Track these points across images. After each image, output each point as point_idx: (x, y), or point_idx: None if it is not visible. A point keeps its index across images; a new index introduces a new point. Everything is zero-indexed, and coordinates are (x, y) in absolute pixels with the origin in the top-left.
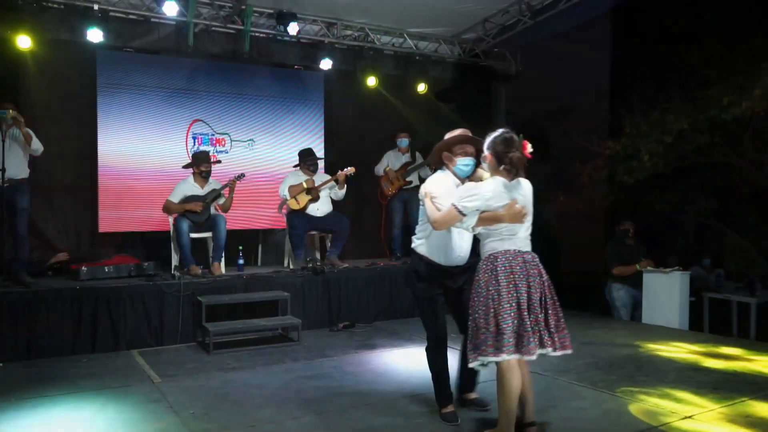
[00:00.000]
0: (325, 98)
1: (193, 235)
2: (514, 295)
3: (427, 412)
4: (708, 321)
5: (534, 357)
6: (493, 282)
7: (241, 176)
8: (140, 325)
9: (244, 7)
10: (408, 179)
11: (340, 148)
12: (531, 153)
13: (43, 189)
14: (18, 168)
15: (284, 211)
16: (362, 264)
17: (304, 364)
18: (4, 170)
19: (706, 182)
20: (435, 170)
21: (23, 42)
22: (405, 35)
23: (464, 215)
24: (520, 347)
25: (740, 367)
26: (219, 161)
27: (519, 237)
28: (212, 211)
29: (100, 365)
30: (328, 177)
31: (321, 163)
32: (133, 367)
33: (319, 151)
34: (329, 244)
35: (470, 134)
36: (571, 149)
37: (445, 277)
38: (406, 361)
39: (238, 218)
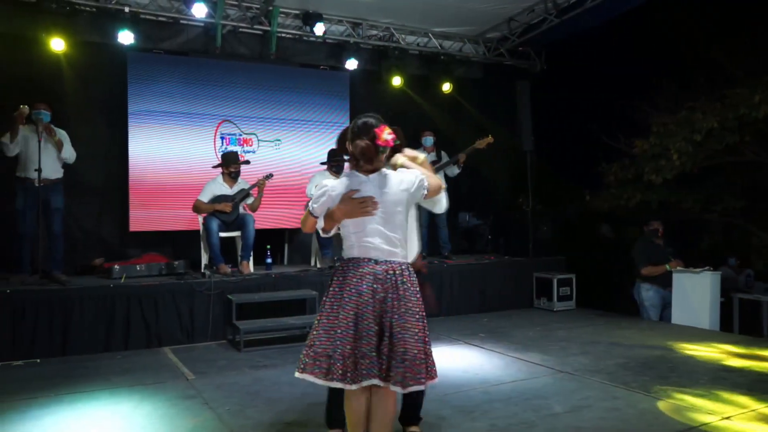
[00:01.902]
0: (350, 98)
1: (222, 235)
2: (351, 313)
3: (452, 414)
4: (738, 322)
5: (354, 387)
6: (330, 293)
7: (270, 176)
8: (172, 323)
9: (270, 8)
10: None
11: None
12: (386, 140)
13: (74, 189)
14: (52, 168)
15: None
16: None
17: None
18: (40, 170)
19: (735, 181)
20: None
21: (57, 45)
22: (430, 35)
23: (316, 216)
24: (345, 374)
25: None
26: (248, 162)
27: (373, 243)
28: (241, 210)
29: (133, 362)
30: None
31: (347, 164)
32: (166, 364)
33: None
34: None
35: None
36: (596, 148)
37: None
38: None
39: (265, 218)
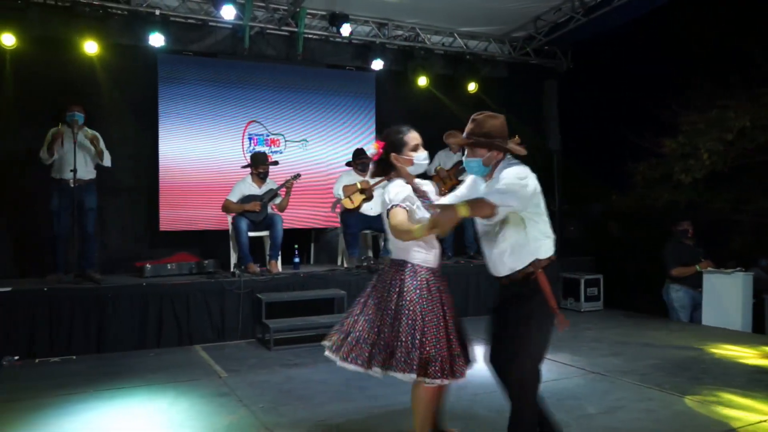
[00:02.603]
0: (376, 98)
1: (251, 234)
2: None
3: (486, 413)
4: None
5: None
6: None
7: (298, 176)
8: (202, 321)
9: (297, 9)
10: (460, 178)
11: None
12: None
13: (106, 189)
14: (86, 169)
15: (337, 210)
16: None
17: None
18: (75, 171)
19: (766, 181)
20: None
21: (90, 47)
22: (455, 35)
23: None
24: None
25: None
26: (276, 162)
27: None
28: (269, 210)
29: (166, 359)
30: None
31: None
32: (198, 362)
33: (370, 151)
34: (382, 243)
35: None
36: (623, 147)
37: None
38: None
39: (291, 217)
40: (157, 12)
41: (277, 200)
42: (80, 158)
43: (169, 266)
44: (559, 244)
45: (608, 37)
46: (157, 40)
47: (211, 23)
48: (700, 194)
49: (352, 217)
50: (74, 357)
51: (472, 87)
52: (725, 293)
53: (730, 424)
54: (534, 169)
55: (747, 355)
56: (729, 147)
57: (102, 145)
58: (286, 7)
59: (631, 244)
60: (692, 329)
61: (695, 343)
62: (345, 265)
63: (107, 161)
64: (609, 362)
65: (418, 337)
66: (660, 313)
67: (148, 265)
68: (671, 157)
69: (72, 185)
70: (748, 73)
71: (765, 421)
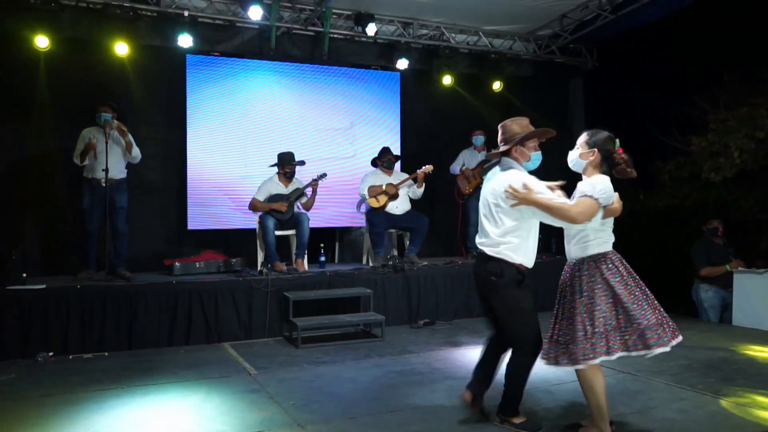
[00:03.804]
0: (401, 97)
1: (278, 233)
2: (621, 294)
3: (524, 413)
4: None
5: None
6: (601, 283)
7: (324, 176)
8: (230, 319)
9: (323, 9)
10: (484, 177)
11: (416, 146)
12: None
13: (136, 188)
14: (118, 168)
15: (363, 209)
16: (440, 262)
17: (391, 359)
18: (107, 171)
19: None
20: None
21: (121, 49)
22: (480, 33)
23: (603, 206)
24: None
25: None
26: (303, 162)
27: (611, 238)
28: (295, 209)
29: (196, 356)
30: (406, 175)
31: (397, 162)
32: (227, 359)
33: (396, 150)
34: (407, 242)
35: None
36: (650, 146)
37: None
38: None
39: (317, 216)
40: (186, 13)
41: (303, 199)
42: (112, 158)
43: (197, 264)
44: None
45: (634, 35)
46: (185, 41)
47: (238, 24)
48: (729, 193)
49: (377, 216)
50: (106, 353)
51: (497, 86)
52: (756, 293)
53: (764, 424)
54: (560, 168)
55: None
56: (760, 145)
57: (130, 137)
58: (312, 7)
59: (659, 243)
60: (722, 330)
61: (726, 344)
62: (370, 264)
63: (136, 154)
64: (639, 363)
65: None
66: (690, 313)
67: (177, 264)
68: (700, 155)
69: (104, 184)
70: None
71: None
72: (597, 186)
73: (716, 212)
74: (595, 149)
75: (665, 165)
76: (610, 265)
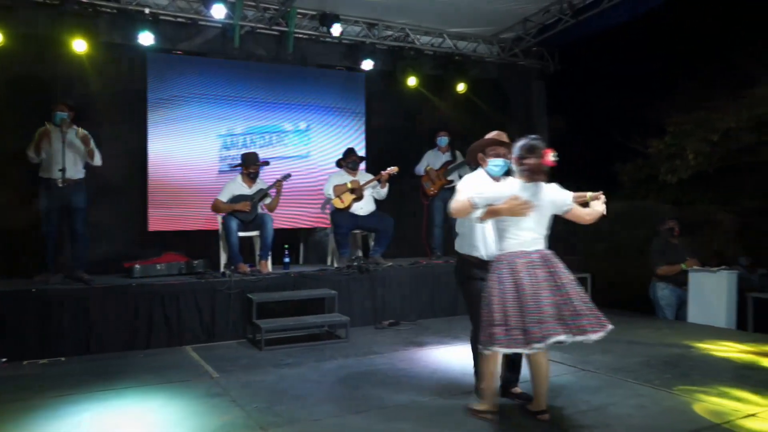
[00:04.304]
0: (366, 98)
1: (241, 234)
2: (516, 293)
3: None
4: (752, 321)
5: (537, 348)
6: (495, 280)
7: (288, 176)
8: (193, 322)
9: (288, 9)
10: (449, 178)
11: (381, 147)
12: (553, 161)
13: (95, 189)
14: (75, 169)
15: (327, 210)
16: (405, 263)
17: (356, 360)
18: (63, 171)
19: (749, 181)
20: (474, 169)
21: (79, 46)
22: (444, 35)
23: (475, 207)
24: (515, 341)
25: None
26: (267, 163)
27: (525, 239)
28: (259, 210)
29: (158, 360)
30: (371, 176)
31: (362, 163)
32: (190, 363)
33: (361, 151)
34: (372, 243)
35: (504, 137)
36: (611, 148)
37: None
38: (456, 358)
39: (281, 217)
40: (147, 10)
41: (267, 200)
42: (69, 158)
43: (158, 266)
44: (548, 244)
45: (596, 39)
46: (146, 38)
47: (201, 22)
48: (685, 194)
49: (342, 217)
50: (63, 358)
51: (461, 87)
52: (710, 291)
53: (718, 419)
54: None
55: (732, 352)
56: (714, 148)
57: (93, 144)
58: (276, 7)
59: (618, 243)
60: (678, 327)
61: (682, 340)
62: (335, 265)
63: (98, 160)
64: (599, 360)
65: None
66: (647, 311)
67: (137, 266)
68: (657, 157)
69: (60, 185)
70: (732, 75)
71: (753, 415)
72: (485, 190)
73: (672, 213)
74: (512, 155)
75: (624, 167)
76: (503, 264)
